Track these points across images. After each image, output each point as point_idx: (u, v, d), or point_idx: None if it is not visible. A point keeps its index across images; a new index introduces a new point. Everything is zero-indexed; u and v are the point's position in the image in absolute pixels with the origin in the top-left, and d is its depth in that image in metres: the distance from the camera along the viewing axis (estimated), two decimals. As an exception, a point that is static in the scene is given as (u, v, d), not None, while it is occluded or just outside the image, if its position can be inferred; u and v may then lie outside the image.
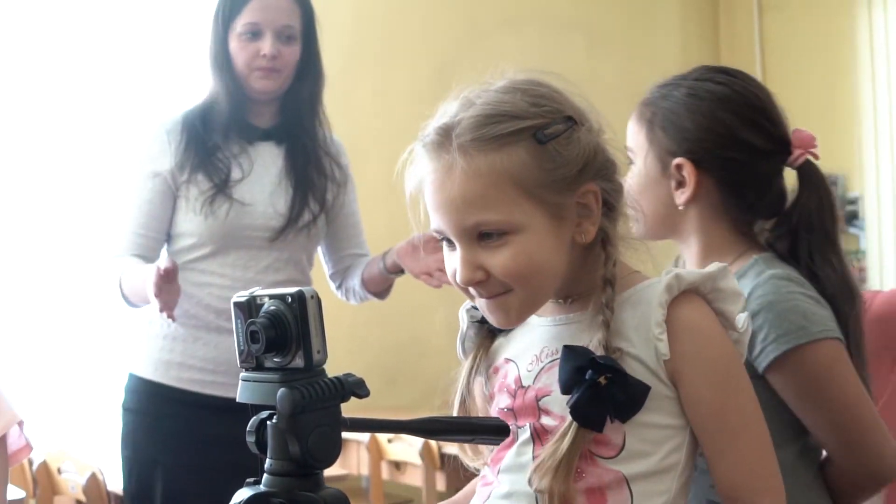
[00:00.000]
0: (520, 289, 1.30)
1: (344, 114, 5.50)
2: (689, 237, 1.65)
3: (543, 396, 1.31)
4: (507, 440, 1.34)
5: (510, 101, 1.29)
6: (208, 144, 2.53)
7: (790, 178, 1.68)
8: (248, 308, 1.13)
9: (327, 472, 1.13)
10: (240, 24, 2.52)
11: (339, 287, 2.76)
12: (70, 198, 4.43)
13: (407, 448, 4.21)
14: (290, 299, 1.10)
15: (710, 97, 1.64)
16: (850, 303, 1.61)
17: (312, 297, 1.10)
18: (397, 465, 4.40)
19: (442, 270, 2.47)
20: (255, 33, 2.53)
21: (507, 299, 1.31)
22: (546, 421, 1.31)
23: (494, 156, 1.27)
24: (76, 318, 4.38)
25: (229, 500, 1.13)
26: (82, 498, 3.28)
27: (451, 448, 4.17)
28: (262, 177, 2.56)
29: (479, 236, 1.29)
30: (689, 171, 1.61)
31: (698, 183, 1.61)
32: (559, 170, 1.28)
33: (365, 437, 4.27)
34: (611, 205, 1.33)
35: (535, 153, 1.27)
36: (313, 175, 2.61)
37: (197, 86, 2.71)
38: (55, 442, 3.79)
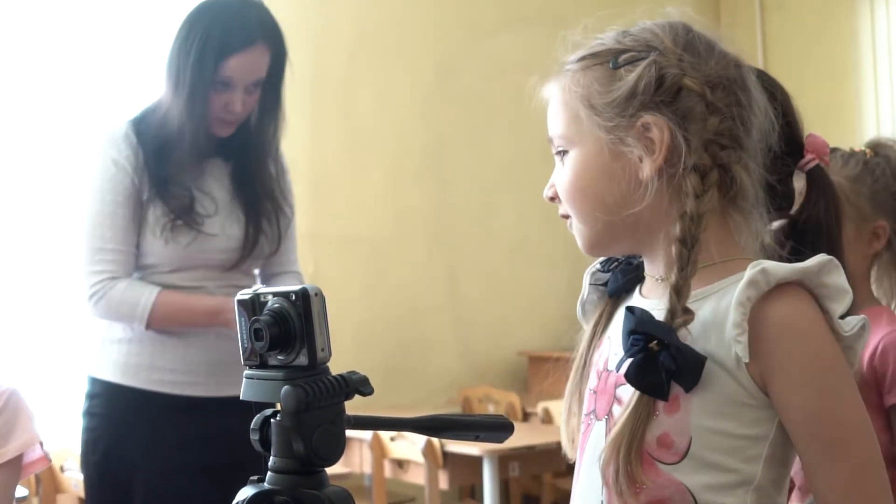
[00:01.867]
0: (570, 210, 1.31)
1: (345, 117, 5.54)
2: None
3: (621, 385, 1.25)
4: (584, 429, 1.30)
5: (609, 35, 1.34)
6: (163, 174, 2.52)
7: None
8: (252, 306, 1.13)
9: (329, 471, 1.13)
10: (220, 72, 2.50)
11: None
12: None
13: (410, 446, 4.21)
14: (293, 297, 1.09)
15: None
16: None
17: (316, 294, 1.09)
18: (400, 464, 4.41)
19: None
20: (226, 84, 2.52)
21: (572, 223, 1.32)
22: (617, 411, 1.25)
23: (572, 76, 1.31)
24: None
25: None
26: (85, 496, 3.28)
27: (453, 446, 4.17)
28: (221, 207, 2.58)
29: (558, 153, 1.33)
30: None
31: None
32: (614, 92, 1.28)
33: (367, 435, 4.27)
34: (680, 148, 1.23)
35: (603, 76, 1.29)
36: (268, 206, 2.63)
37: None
38: (58, 440, 3.78)
